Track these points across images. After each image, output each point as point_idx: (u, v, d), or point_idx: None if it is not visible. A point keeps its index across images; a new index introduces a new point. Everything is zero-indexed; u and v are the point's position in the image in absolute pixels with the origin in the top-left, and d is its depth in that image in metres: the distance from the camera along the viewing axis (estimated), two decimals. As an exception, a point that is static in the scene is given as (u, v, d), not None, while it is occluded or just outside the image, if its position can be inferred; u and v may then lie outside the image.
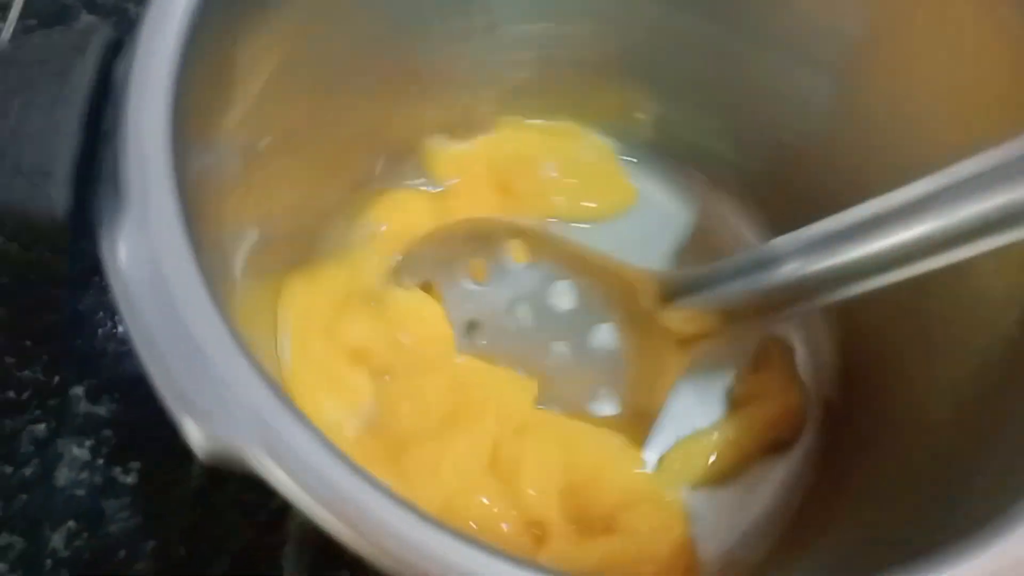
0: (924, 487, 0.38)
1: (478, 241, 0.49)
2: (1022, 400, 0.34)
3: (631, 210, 0.53)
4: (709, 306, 0.44)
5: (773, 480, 0.47)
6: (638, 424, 0.46)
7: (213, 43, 0.32)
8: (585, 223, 0.52)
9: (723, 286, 0.43)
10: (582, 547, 0.42)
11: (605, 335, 0.48)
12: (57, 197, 0.28)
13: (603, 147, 0.54)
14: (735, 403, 0.49)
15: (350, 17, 0.41)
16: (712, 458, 0.47)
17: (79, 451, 0.47)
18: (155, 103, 0.29)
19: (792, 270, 0.40)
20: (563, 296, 0.48)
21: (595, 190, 0.53)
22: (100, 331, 0.50)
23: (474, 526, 0.41)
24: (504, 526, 0.42)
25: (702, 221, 0.53)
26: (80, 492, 0.46)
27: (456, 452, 0.43)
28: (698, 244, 0.52)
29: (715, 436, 0.47)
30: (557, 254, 0.49)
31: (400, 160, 0.51)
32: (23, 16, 0.56)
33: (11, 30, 0.55)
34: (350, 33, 0.42)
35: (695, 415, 0.48)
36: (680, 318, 0.46)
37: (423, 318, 0.47)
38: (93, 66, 0.30)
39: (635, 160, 0.54)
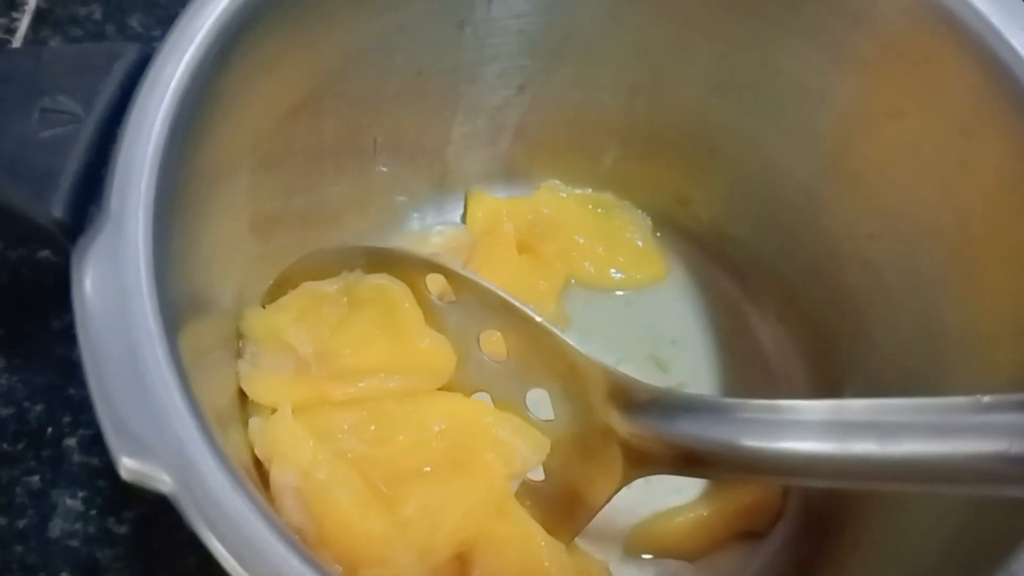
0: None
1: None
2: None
3: (659, 284, 0.55)
4: (655, 434, 0.39)
5: (745, 570, 0.47)
6: (563, 510, 0.43)
7: (231, 75, 0.34)
8: (611, 291, 0.54)
9: (668, 421, 0.39)
10: None
11: (538, 400, 0.44)
12: (58, 204, 0.30)
13: (639, 221, 0.55)
14: (714, 484, 0.49)
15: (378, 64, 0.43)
16: (681, 536, 0.47)
17: (73, 502, 0.47)
18: (153, 131, 0.31)
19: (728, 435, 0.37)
20: (494, 345, 0.45)
21: (624, 261, 0.54)
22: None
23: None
24: None
25: (724, 303, 0.54)
26: (74, 543, 0.46)
27: (463, 502, 0.41)
28: (719, 326, 0.53)
29: (687, 515, 0.47)
30: (485, 301, 0.44)
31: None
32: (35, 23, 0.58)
33: (22, 38, 0.57)
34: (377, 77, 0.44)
35: (671, 491, 0.48)
36: (628, 429, 0.40)
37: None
38: (119, 82, 0.32)
39: (667, 237, 0.56)
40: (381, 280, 0.44)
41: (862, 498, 0.44)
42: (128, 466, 0.27)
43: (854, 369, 0.48)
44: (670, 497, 0.48)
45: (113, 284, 0.28)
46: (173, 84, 0.31)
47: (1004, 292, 0.38)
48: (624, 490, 0.42)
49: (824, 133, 0.45)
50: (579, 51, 0.47)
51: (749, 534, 0.48)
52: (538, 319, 0.43)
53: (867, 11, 0.39)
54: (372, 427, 0.42)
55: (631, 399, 0.40)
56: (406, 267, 0.44)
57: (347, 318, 0.44)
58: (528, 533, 0.42)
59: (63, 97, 0.32)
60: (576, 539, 0.44)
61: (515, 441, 0.43)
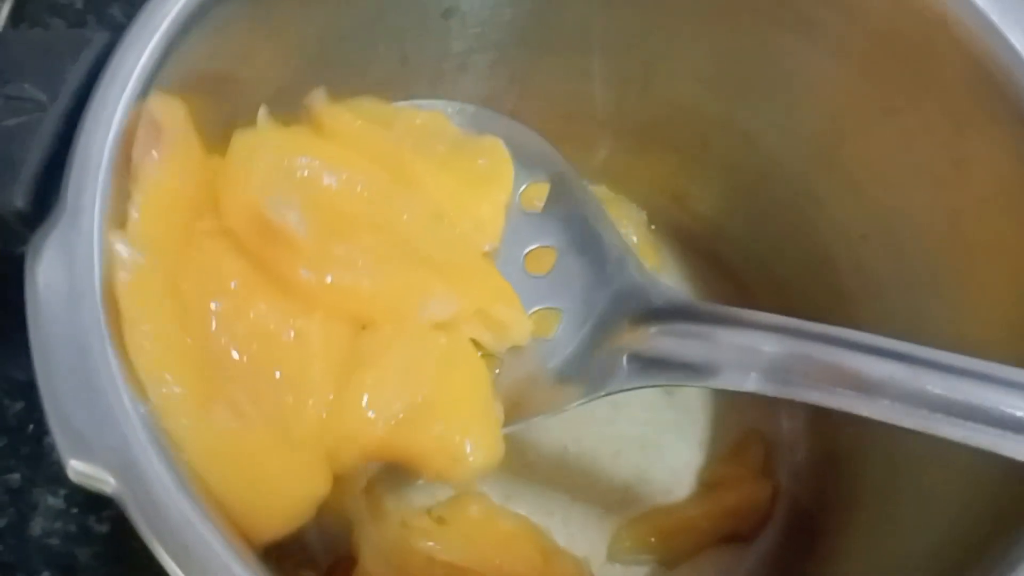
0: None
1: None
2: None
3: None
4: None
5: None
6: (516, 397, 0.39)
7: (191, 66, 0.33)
8: None
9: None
10: None
11: (545, 319, 0.41)
12: (20, 194, 0.29)
13: (634, 215, 0.55)
14: (703, 486, 0.49)
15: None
16: (668, 536, 0.47)
17: (54, 500, 0.47)
18: (113, 122, 0.30)
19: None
20: (542, 260, 0.42)
21: None
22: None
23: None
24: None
25: (717, 300, 0.52)
26: (54, 541, 0.46)
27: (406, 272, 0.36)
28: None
29: (674, 515, 0.48)
30: (568, 216, 0.42)
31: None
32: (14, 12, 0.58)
33: (2, 23, 0.57)
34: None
35: (660, 492, 0.48)
36: (650, 342, 0.37)
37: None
38: (85, 71, 0.31)
39: (662, 232, 0.55)
40: (498, 144, 0.42)
41: (849, 505, 0.44)
42: (75, 467, 0.26)
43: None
44: (658, 497, 0.48)
45: (66, 279, 0.28)
46: (136, 73, 0.30)
47: (996, 294, 0.37)
48: (611, 490, 0.42)
49: (817, 128, 0.44)
50: (568, 40, 0.46)
51: (736, 538, 0.48)
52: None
53: (860, 3, 0.38)
54: (388, 201, 0.37)
55: (684, 314, 0.37)
56: (529, 150, 0.43)
57: (448, 152, 0.41)
58: (464, 353, 0.38)
59: (28, 84, 0.31)
60: (559, 539, 0.44)
61: (507, 294, 0.40)
